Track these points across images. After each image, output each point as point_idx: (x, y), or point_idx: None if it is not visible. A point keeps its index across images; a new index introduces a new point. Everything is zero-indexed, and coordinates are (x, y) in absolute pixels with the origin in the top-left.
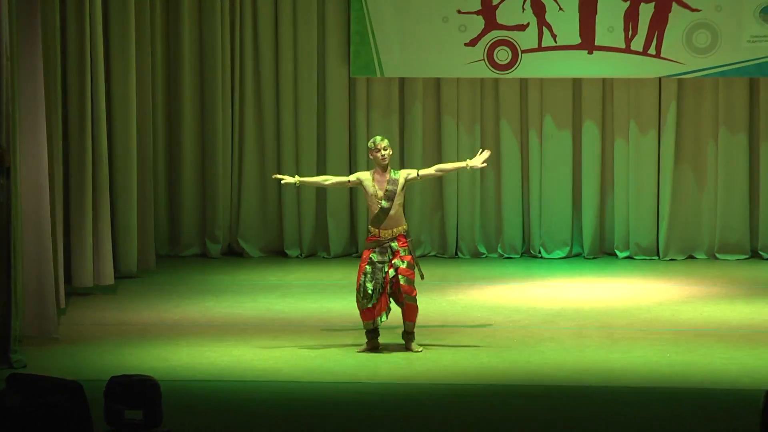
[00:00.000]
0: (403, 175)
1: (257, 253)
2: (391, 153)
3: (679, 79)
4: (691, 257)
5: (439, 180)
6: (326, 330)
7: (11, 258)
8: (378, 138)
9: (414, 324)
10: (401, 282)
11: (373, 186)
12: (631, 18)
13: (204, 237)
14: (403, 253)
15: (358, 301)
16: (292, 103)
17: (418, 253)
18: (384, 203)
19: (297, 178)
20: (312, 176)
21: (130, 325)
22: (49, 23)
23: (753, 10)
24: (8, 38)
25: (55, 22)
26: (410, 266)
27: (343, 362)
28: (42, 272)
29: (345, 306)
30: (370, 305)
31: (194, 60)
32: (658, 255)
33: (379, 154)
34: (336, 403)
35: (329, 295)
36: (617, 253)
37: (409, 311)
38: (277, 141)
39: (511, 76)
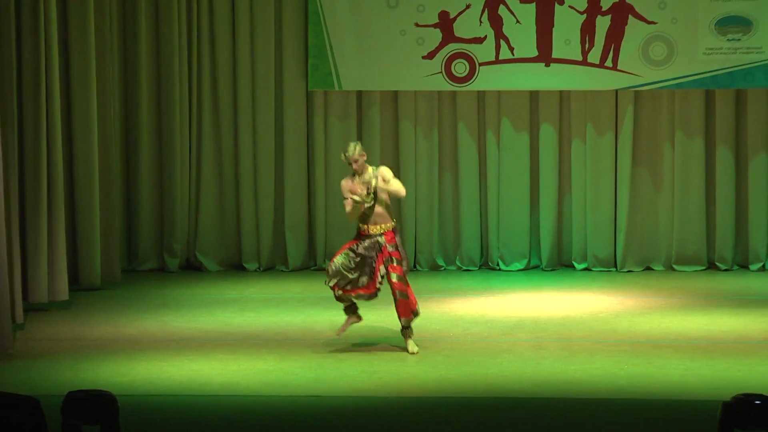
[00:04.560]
0: (379, 176)
1: (215, 266)
2: (363, 161)
3: (635, 90)
4: (648, 269)
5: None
6: (285, 344)
7: None
8: (350, 147)
9: (409, 319)
10: (393, 279)
11: (356, 187)
12: (587, 30)
13: (162, 251)
14: (390, 249)
15: (328, 276)
16: (249, 116)
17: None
18: (368, 201)
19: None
20: (271, 188)
21: (87, 340)
22: (4, 34)
23: (708, 22)
24: None
25: (10, 33)
26: (398, 263)
27: (301, 376)
28: None
29: (304, 320)
30: (337, 285)
31: (151, 74)
32: (615, 267)
33: (354, 166)
34: (295, 417)
35: (288, 309)
36: (575, 264)
37: (402, 307)
38: (235, 154)
39: (468, 88)
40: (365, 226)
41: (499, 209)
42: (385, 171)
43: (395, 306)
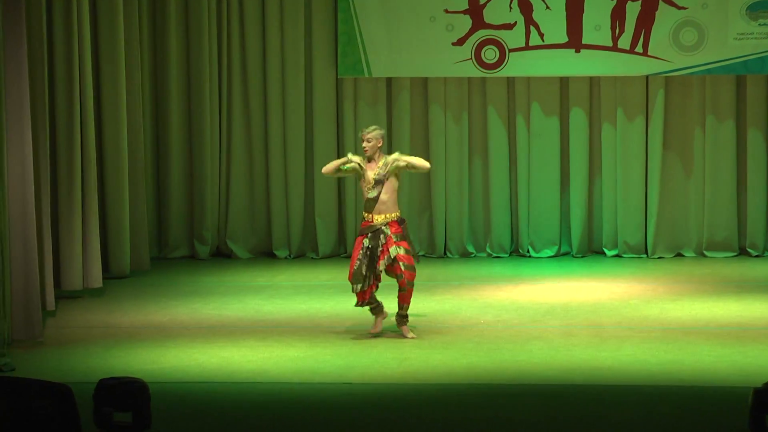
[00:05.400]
0: (389, 161)
1: (246, 254)
2: (375, 144)
3: (666, 76)
4: (679, 255)
5: (427, 180)
6: (315, 331)
7: None
8: (365, 128)
9: (408, 306)
10: (402, 268)
11: (366, 172)
12: (618, 16)
13: (192, 239)
14: (396, 239)
15: (352, 285)
16: (279, 103)
17: None
18: (372, 192)
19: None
20: (302, 175)
21: (118, 327)
22: (35, 26)
23: (739, 7)
24: None
25: (42, 24)
26: (408, 252)
27: (332, 363)
28: (28, 275)
29: (334, 306)
30: (362, 289)
31: (181, 61)
32: (646, 253)
33: (362, 144)
34: (325, 404)
35: (318, 296)
36: (605, 251)
37: (407, 295)
38: (265, 142)
39: (498, 75)
40: (369, 215)
41: (529, 196)
42: (396, 154)
43: (399, 292)
